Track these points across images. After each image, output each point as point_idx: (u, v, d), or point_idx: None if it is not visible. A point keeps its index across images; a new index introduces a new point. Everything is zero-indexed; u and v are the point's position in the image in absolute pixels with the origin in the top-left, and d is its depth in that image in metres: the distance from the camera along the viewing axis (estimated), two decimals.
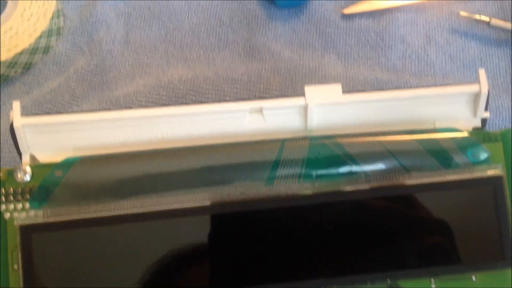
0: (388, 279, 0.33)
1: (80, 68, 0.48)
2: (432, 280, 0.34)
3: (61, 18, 0.50)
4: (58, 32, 0.49)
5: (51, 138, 0.34)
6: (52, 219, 0.32)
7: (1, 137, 0.44)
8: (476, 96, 0.35)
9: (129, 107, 0.42)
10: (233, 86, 0.47)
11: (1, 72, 0.46)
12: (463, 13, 0.49)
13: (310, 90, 0.35)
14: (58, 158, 0.33)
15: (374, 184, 0.33)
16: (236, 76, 0.47)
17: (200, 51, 0.49)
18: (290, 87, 0.47)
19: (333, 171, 0.33)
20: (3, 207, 0.33)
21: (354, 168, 0.33)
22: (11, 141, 0.41)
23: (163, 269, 0.32)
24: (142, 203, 0.32)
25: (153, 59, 0.49)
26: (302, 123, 0.35)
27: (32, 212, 0.32)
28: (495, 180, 0.33)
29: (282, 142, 0.34)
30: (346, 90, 0.35)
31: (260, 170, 0.33)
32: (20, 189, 0.33)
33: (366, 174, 0.33)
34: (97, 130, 0.35)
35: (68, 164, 0.33)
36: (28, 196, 0.33)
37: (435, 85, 0.36)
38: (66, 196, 0.32)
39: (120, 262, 0.32)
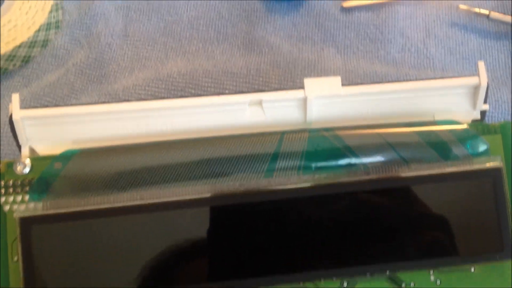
0: (387, 271, 0.33)
1: (79, 62, 0.48)
2: (431, 271, 0.34)
3: (60, 12, 0.50)
4: (57, 25, 0.49)
5: (50, 131, 0.34)
6: (51, 211, 0.31)
7: (0, 130, 0.44)
8: (476, 88, 0.35)
9: (128, 100, 0.42)
10: (232, 79, 0.47)
11: (0, 65, 0.46)
12: (462, 6, 0.49)
13: (310, 82, 0.35)
14: (57, 150, 0.33)
15: (373, 176, 0.33)
16: (235, 70, 0.47)
17: (199, 44, 0.49)
18: (289, 80, 0.47)
19: (332, 163, 0.33)
20: (3, 199, 0.33)
21: (353, 160, 0.33)
22: (10, 134, 0.41)
23: (162, 261, 0.32)
24: (141, 195, 0.32)
25: (152, 52, 0.49)
26: (301, 115, 0.35)
27: (31, 204, 0.32)
28: (494, 172, 0.33)
29: (281, 135, 0.34)
30: (346, 83, 0.35)
31: (259, 162, 0.33)
32: (19, 182, 0.33)
33: (365, 166, 0.33)
34: (96, 122, 0.35)
35: (67, 157, 0.33)
36: (27, 188, 0.33)
37: (435, 78, 0.36)
38: (66, 188, 0.32)
39: (119, 254, 0.32)
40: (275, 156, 0.33)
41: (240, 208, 0.32)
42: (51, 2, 0.48)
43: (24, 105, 0.34)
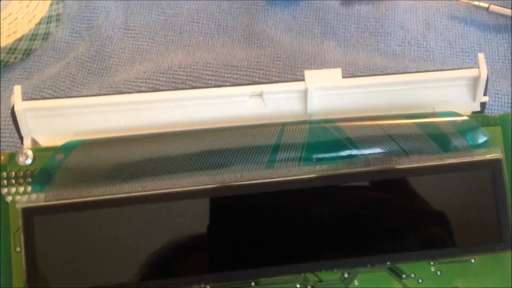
0: (388, 262, 0.33)
1: (80, 54, 0.48)
2: (432, 263, 0.34)
3: (61, 4, 0.50)
4: (58, 18, 0.49)
5: (52, 122, 0.34)
6: (53, 202, 0.32)
7: (3, 122, 0.44)
8: (476, 80, 0.35)
9: (130, 92, 0.43)
10: (232, 72, 0.47)
11: (1, 58, 0.46)
12: None
13: (310, 74, 0.35)
14: (59, 142, 0.33)
15: (374, 167, 0.33)
16: (236, 62, 0.47)
17: (199, 37, 0.49)
18: (290, 73, 0.47)
19: (333, 154, 0.34)
20: (5, 190, 0.33)
21: (354, 151, 0.34)
22: (11, 126, 0.41)
23: (164, 251, 0.32)
24: (143, 186, 0.32)
25: (153, 45, 0.49)
26: (302, 107, 0.36)
27: (34, 195, 0.32)
28: (494, 163, 0.33)
29: (282, 126, 0.34)
30: (346, 76, 0.35)
31: (260, 153, 0.33)
32: (21, 173, 0.33)
33: (366, 157, 0.33)
34: (98, 114, 0.35)
35: (69, 148, 0.33)
36: (29, 179, 0.33)
37: (435, 70, 0.36)
38: (67, 179, 0.32)
39: (121, 245, 0.32)
40: (276, 148, 0.33)
41: (241, 199, 0.32)
42: None
43: (25, 98, 0.34)
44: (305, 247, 0.32)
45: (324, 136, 0.34)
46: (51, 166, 0.33)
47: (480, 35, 0.49)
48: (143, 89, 0.46)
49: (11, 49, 0.46)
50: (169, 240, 0.32)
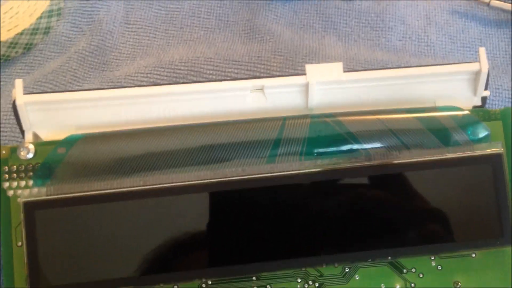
0: (388, 257, 0.33)
1: (81, 49, 0.48)
2: (432, 257, 0.34)
3: None
4: (59, 12, 0.49)
5: (54, 116, 0.34)
6: (55, 196, 0.32)
7: (3, 116, 0.44)
8: (477, 74, 0.35)
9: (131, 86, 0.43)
10: (233, 66, 0.47)
11: (2, 53, 0.46)
12: None
13: (311, 68, 0.35)
14: (60, 135, 0.33)
15: (375, 161, 0.33)
16: (237, 57, 0.47)
17: (200, 32, 0.49)
18: (291, 67, 0.47)
19: (334, 149, 0.34)
20: (7, 184, 0.33)
21: (355, 146, 0.34)
22: (12, 120, 0.41)
23: (165, 245, 0.32)
24: (144, 180, 0.32)
25: (154, 39, 0.49)
26: (303, 101, 0.36)
27: (35, 189, 0.32)
28: (495, 158, 0.33)
29: (283, 120, 0.34)
30: (347, 70, 0.35)
31: (261, 148, 0.33)
32: (23, 167, 0.33)
33: (367, 152, 0.33)
34: (99, 108, 0.35)
35: (70, 142, 0.33)
36: (31, 173, 0.33)
37: (436, 64, 0.36)
38: (69, 173, 0.32)
39: (122, 238, 0.32)
40: (277, 142, 0.33)
41: (242, 193, 0.32)
42: None
43: (26, 92, 0.34)
44: (306, 242, 0.32)
45: (325, 131, 0.34)
46: (53, 160, 0.33)
47: (481, 30, 0.49)
48: (144, 83, 0.46)
49: (12, 43, 0.46)
50: (170, 235, 0.32)
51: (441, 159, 0.33)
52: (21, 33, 0.46)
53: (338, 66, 0.35)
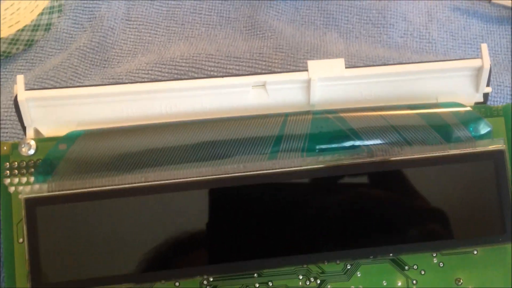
0: (390, 254, 0.33)
1: (82, 45, 0.48)
2: (434, 254, 0.34)
3: None
4: (60, 9, 0.49)
5: (55, 112, 0.34)
6: (56, 192, 0.32)
7: (4, 113, 0.44)
8: (479, 70, 0.35)
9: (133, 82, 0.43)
10: (235, 63, 0.47)
11: (3, 49, 0.46)
12: None
13: (313, 64, 0.35)
14: (62, 132, 0.33)
15: (377, 158, 0.33)
16: (238, 54, 0.47)
17: (201, 29, 0.49)
18: (292, 64, 0.47)
19: (336, 145, 0.33)
20: (8, 181, 0.33)
21: (357, 142, 0.33)
22: (13, 117, 0.41)
23: (166, 242, 0.32)
24: (146, 176, 0.32)
25: (155, 36, 0.49)
26: (305, 97, 0.35)
27: (36, 186, 0.32)
28: (497, 154, 0.33)
29: (285, 117, 0.34)
30: (348, 67, 0.35)
31: (263, 144, 0.33)
32: (24, 163, 0.33)
33: (369, 148, 0.33)
34: (101, 104, 0.34)
35: (72, 138, 0.33)
36: (32, 169, 0.33)
37: (438, 60, 0.36)
38: (70, 170, 0.32)
39: (123, 235, 0.32)
40: (278, 138, 0.33)
41: (244, 190, 0.32)
42: None
43: (27, 89, 0.34)
44: (308, 239, 0.32)
45: (327, 127, 0.34)
46: (54, 156, 0.33)
47: (483, 27, 0.49)
48: (145, 80, 0.46)
49: (13, 40, 0.46)
50: (172, 231, 0.32)
51: (443, 156, 0.33)
52: (22, 30, 0.46)
53: (340, 62, 0.35)
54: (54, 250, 0.31)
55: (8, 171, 0.33)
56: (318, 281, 0.33)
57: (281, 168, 0.32)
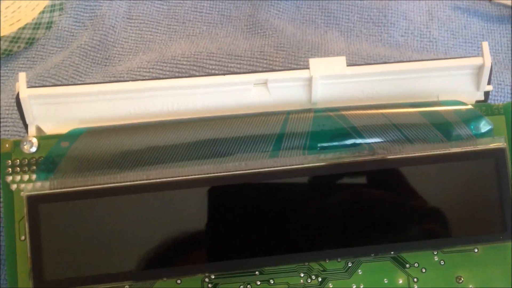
0: (391, 252, 0.33)
1: (83, 44, 0.48)
2: (435, 252, 0.34)
3: None
4: (61, 7, 0.49)
5: (57, 110, 0.34)
6: (58, 190, 0.32)
7: (6, 111, 0.44)
8: (480, 69, 0.35)
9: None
10: (236, 61, 0.47)
11: (4, 47, 0.46)
12: None
13: (315, 62, 0.35)
14: (64, 129, 0.33)
15: (378, 156, 0.33)
16: (239, 52, 0.47)
17: (203, 27, 0.49)
18: (293, 62, 0.47)
19: (337, 143, 0.34)
20: (10, 178, 0.33)
21: (358, 140, 0.34)
22: (14, 115, 0.41)
23: (168, 239, 0.32)
24: (147, 174, 0.32)
25: (156, 34, 0.49)
26: (306, 95, 0.36)
27: (38, 183, 0.32)
28: (498, 152, 0.33)
29: (286, 115, 0.34)
30: (350, 65, 0.35)
31: (265, 142, 0.33)
32: (26, 161, 0.33)
33: (370, 146, 0.33)
34: (102, 102, 0.34)
35: (74, 136, 0.33)
36: (34, 167, 0.33)
37: (439, 59, 0.36)
38: (72, 167, 0.32)
39: (125, 232, 0.32)
40: (280, 136, 0.33)
41: (245, 187, 0.32)
42: None
43: (28, 86, 0.34)
44: (309, 236, 0.32)
45: (328, 125, 0.34)
46: (56, 154, 0.33)
47: (483, 26, 0.49)
48: (147, 78, 0.46)
49: (15, 38, 0.46)
50: (173, 229, 0.32)
51: (444, 154, 0.33)
52: (23, 28, 0.46)
53: (342, 60, 0.35)
54: (56, 248, 0.31)
55: (10, 169, 0.33)
56: (320, 279, 0.33)
57: (283, 166, 0.33)
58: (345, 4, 0.50)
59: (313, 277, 0.33)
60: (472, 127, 0.34)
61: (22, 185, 0.33)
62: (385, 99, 0.36)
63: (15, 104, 0.34)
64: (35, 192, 0.31)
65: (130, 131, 0.33)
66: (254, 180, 0.32)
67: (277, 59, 0.47)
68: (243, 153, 0.33)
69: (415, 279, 0.34)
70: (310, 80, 0.35)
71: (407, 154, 0.33)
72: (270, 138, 0.33)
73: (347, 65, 0.35)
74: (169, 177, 0.32)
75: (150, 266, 0.32)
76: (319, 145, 0.33)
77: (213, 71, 0.46)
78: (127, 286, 0.32)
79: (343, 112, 0.34)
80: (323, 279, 0.33)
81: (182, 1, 0.50)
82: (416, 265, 0.34)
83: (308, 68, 0.35)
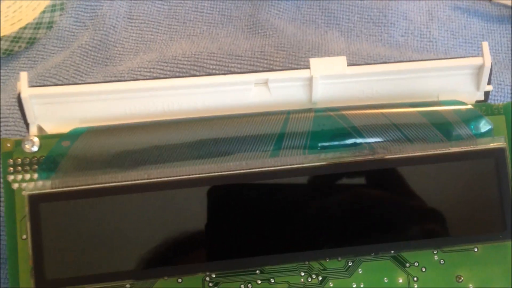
0: (391, 251, 0.33)
1: (84, 43, 0.48)
2: (435, 251, 0.34)
3: None
4: (62, 7, 0.49)
5: (58, 109, 0.34)
6: (60, 189, 0.32)
7: (7, 110, 0.44)
8: (480, 69, 0.35)
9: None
10: (236, 61, 0.47)
11: (5, 47, 0.46)
12: None
13: (315, 62, 0.35)
14: (65, 129, 0.33)
15: (378, 155, 0.33)
16: (240, 52, 0.47)
17: (203, 27, 0.49)
18: (294, 62, 0.47)
19: (337, 142, 0.34)
20: (11, 177, 0.33)
21: (359, 140, 0.34)
22: (16, 114, 0.41)
23: (169, 238, 0.32)
24: (148, 173, 0.32)
25: (157, 34, 0.49)
26: (307, 95, 0.36)
27: (40, 182, 0.32)
28: (498, 152, 0.33)
29: (287, 114, 0.34)
30: (350, 65, 0.35)
31: (265, 141, 0.33)
32: (28, 160, 0.33)
33: (370, 145, 0.33)
34: (103, 101, 0.35)
35: (75, 135, 0.33)
36: (36, 166, 0.33)
37: (439, 58, 0.36)
38: (73, 166, 0.32)
39: (126, 232, 0.32)
40: (281, 136, 0.33)
41: (246, 187, 0.32)
42: None
43: (30, 86, 0.34)
44: (309, 235, 0.32)
45: (329, 124, 0.34)
46: (57, 153, 0.33)
47: (483, 26, 0.49)
48: (147, 78, 0.46)
49: (15, 38, 0.46)
50: (174, 228, 0.32)
51: (444, 153, 0.33)
52: (24, 28, 0.47)
53: (342, 60, 0.35)
54: (57, 247, 0.31)
55: (11, 168, 0.33)
56: (320, 278, 0.33)
57: (283, 166, 0.33)
58: (346, 4, 0.50)
59: (314, 276, 0.33)
60: (472, 127, 0.34)
61: (24, 184, 0.33)
62: (385, 99, 0.36)
63: (16, 104, 0.34)
64: (37, 191, 0.32)
65: (130, 130, 0.33)
66: (255, 179, 0.32)
67: (277, 59, 0.47)
68: (244, 152, 0.33)
69: (415, 278, 0.34)
70: (310, 80, 0.35)
71: (407, 153, 0.33)
72: (270, 138, 0.33)
73: (348, 65, 0.35)
74: (170, 177, 0.32)
75: (151, 265, 0.32)
76: (319, 144, 0.33)
77: (213, 71, 0.46)
78: (128, 285, 0.32)
79: (344, 112, 0.34)
80: (324, 278, 0.33)
81: (182, 1, 0.50)
82: (416, 264, 0.34)
83: (309, 68, 0.35)
